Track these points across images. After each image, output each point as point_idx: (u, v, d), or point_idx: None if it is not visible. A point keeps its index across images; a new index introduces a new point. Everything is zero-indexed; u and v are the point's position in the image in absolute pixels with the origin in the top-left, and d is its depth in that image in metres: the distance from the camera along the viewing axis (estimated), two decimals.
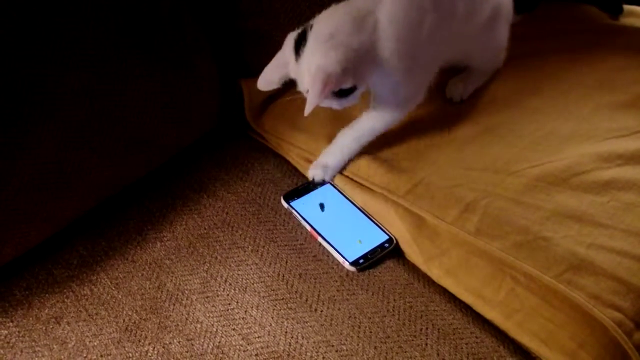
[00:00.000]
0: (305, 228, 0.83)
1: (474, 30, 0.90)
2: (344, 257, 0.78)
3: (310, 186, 0.87)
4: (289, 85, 0.80)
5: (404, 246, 0.81)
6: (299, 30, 0.76)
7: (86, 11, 0.78)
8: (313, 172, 0.88)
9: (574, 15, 1.21)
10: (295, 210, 0.84)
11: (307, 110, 0.71)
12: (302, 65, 0.74)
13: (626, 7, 1.23)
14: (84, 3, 0.78)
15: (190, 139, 0.94)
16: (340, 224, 0.82)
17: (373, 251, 0.79)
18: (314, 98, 0.71)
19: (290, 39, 0.77)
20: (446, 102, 0.99)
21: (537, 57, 1.08)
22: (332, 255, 0.80)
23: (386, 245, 0.80)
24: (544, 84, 1.02)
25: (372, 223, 0.82)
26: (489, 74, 1.02)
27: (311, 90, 0.71)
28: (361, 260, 0.78)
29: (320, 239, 0.81)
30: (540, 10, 1.21)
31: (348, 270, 0.78)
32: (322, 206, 0.85)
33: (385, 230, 0.81)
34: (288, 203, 0.85)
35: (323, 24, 0.74)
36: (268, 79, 0.79)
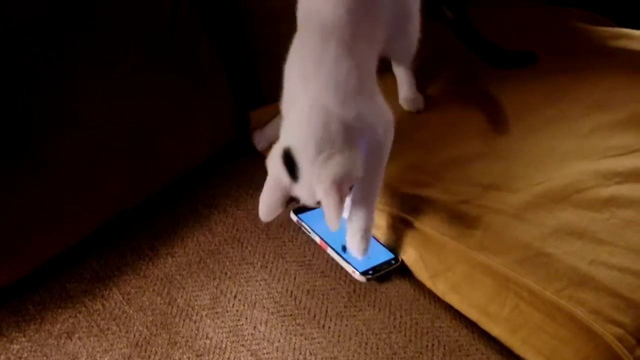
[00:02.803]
0: (314, 240, 0.84)
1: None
2: (353, 267, 0.79)
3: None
4: None
5: (410, 262, 0.82)
6: (280, 153, 0.73)
7: (107, 32, 0.81)
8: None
9: (572, 37, 1.24)
10: (305, 222, 0.86)
11: (334, 225, 0.69)
12: (305, 185, 0.72)
13: (620, 30, 1.26)
14: (106, 24, 0.81)
15: (205, 155, 0.96)
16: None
17: (381, 265, 0.81)
18: (335, 212, 0.69)
19: (274, 164, 0.74)
20: (451, 121, 1.02)
21: (537, 77, 1.10)
22: (341, 266, 0.81)
23: (392, 262, 0.82)
24: (544, 104, 1.05)
25: (378, 243, 0.84)
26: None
27: (330, 205, 0.69)
28: (370, 271, 0.79)
29: (329, 250, 0.82)
30: (538, 30, 1.25)
31: (355, 287, 0.79)
32: None
33: (392, 250, 0.83)
34: (297, 216, 0.87)
35: (302, 141, 0.71)
36: (270, 208, 0.75)
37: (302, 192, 0.73)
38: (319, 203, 0.72)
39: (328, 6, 0.78)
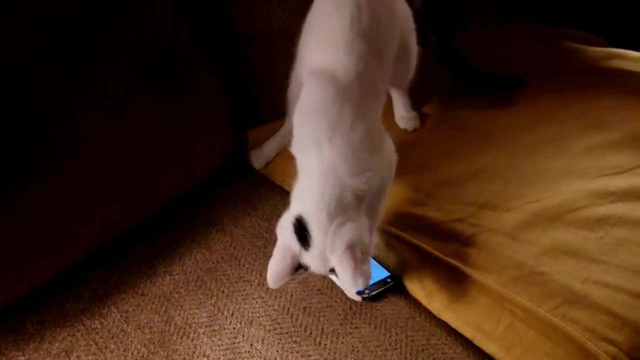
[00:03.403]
0: None
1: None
2: None
3: None
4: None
5: (406, 280, 0.83)
6: (291, 221, 0.73)
7: (108, 58, 0.83)
8: None
9: (567, 57, 1.27)
10: None
11: (351, 291, 0.69)
12: (316, 253, 0.72)
13: (614, 50, 1.29)
14: (105, 48, 0.83)
15: (203, 175, 0.98)
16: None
17: (377, 283, 0.82)
18: (351, 278, 0.68)
19: (284, 231, 0.73)
20: (446, 140, 1.03)
21: (534, 96, 1.12)
22: (337, 284, 0.82)
23: (389, 280, 0.82)
24: (539, 124, 1.06)
25: (374, 261, 0.85)
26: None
27: (346, 272, 0.69)
28: (366, 290, 0.80)
29: None
30: (533, 51, 1.27)
31: (351, 304, 0.80)
32: None
33: (387, 268, 0.84)
34: None
35: (314, 211, 0.71)
36: (279, 275, 0.73)
37: (314, 260, 0.72)
38: (331, 270, 0.72)
39: (341, 68, 0.77)
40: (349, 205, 0.72)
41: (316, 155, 0.74)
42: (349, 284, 0.69)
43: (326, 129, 0.74)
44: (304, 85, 0.80)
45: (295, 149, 0.77)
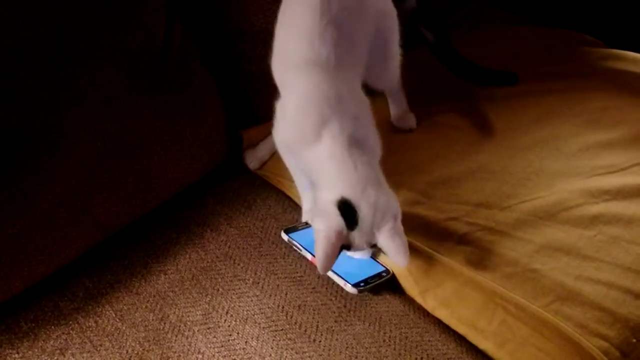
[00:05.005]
0: (306, 257, 0.85)
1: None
2: (345, 280, 0.80)
3: (309, 226, 0.91)
4: None
5: (400, 278, 0.83)
6: (333, 205, 0.73)
7: (100, 56, 0.83)
8: (305, 216, 0.91)
9: (562, 57, 1.27)
10: (296, 241, 0.87)
11: (407, 259, 0.74)
12: (365, 230, 0.74)
13: (610, 50, 1.29)
14: (98, 47, 0.83)
15: (198, 176, 0.98)
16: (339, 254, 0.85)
17: (372, 277, 0.82)
18: (404, 250, 0.74)
19: (328, 217, 0.74)
20: (442, 141, 1.04)
21: (530, 97, 1.12)
22: (332, 279, 0.82)
23: (384, 274, 0.83)
24: (534, 124, 1.07)
25: (370, 258, 0.85)
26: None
27: (397, 245, 0.74)
28: (362, 283, 0.80)
29: None
30: (528, 52, 1.28)
31: (345, 302, 0.80)
32: None
33: (381, 263, 0.84)
34: (288, 235, 0.88)
35: (359, 190, 0.74)
36: (331, 260, 0.74)
37: (360, 238, 0.75)
38: (374, 246, 0.76)
39: (320, 57, 0.79)
40: (379, 172, 0.77)
41: (328, 140, 0.75)
42: (402, 255, 0.73)
43: (331, 113, 0.76)
44: (288, 81, 0.83)
45: (291, 145, 0.80)
